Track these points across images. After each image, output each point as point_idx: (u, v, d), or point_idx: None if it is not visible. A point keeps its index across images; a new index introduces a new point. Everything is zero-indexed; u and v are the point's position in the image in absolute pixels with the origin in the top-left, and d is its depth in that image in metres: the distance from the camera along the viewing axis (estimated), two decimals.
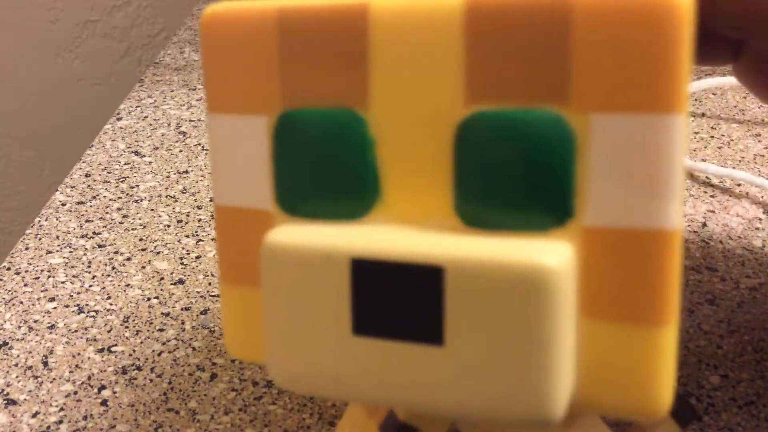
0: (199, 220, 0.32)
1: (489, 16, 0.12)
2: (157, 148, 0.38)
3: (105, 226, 0.32)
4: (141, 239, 0.31)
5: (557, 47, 0.11)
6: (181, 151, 0.38)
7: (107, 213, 0.33)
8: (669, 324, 0.11)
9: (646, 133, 0.11)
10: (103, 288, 0.28)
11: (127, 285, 0.28)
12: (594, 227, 0.12)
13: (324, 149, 0.13)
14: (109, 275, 0.29)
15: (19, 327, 0.26)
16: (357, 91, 0.13)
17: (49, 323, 0.26)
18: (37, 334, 0.25)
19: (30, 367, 0.24)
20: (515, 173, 0.12)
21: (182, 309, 0.27)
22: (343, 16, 0.12)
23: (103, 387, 0.23)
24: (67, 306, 0.27)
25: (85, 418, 0.22)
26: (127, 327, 0.26)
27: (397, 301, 0.12)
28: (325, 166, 0.13)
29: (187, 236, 0.31)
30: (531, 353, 0.11)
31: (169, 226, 0.32)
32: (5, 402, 0.23)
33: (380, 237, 0.12)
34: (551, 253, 0.11)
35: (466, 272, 0.11)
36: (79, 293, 0.28)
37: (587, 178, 0.11)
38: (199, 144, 0.39)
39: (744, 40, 0.17)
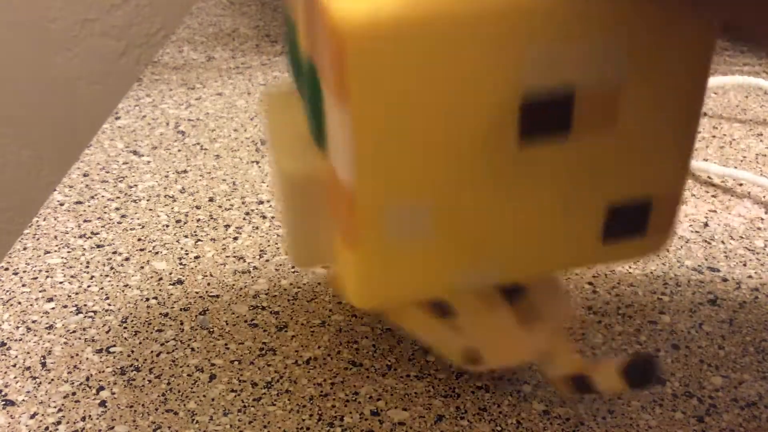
0: (198, 220, 0.32)
1: None
2: (156, 148, 0.38)
3: (103, 226, 0.32)
4: (139, 239, 0.31)
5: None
6: (179, 150, 0.38)
7: (105, 213, 0.33)
8: (353, 247, 0.16)
9: (340, 114, 0.15)
10: (102, 288, 0.28)
11: (126, 285, 0.28)
12: (330, 164, 0.17)
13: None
14: (107, 275, 0.28)
15: (17, 327, 0.26)
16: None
17: (47, 324, 0.26)
18: (35, 335, 0.25)
19: (28, 368, 0.24)
20: (311, 108, 0.17)
21: (181, 309, 0.26)
22: None
23: (102, 388, 0.23)
24: (65, 306, 0.27)
25: (83, 418, 0.22)
26: (125, 327, 0.26)
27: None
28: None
29: (186, 236, 0.31)
30: (283, 221, 0.18)
31: (167, 226, 0.32)
32: (3, 403, 0.23)
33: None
34: (302, 166, 0.17)
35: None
36: (77, 293, 0.27)
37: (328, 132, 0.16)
38: (198, 143, 0.39)
39: None
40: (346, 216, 0.16)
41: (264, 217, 0.32)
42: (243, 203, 0.33)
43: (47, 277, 0.28)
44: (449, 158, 0.15)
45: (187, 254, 0.30)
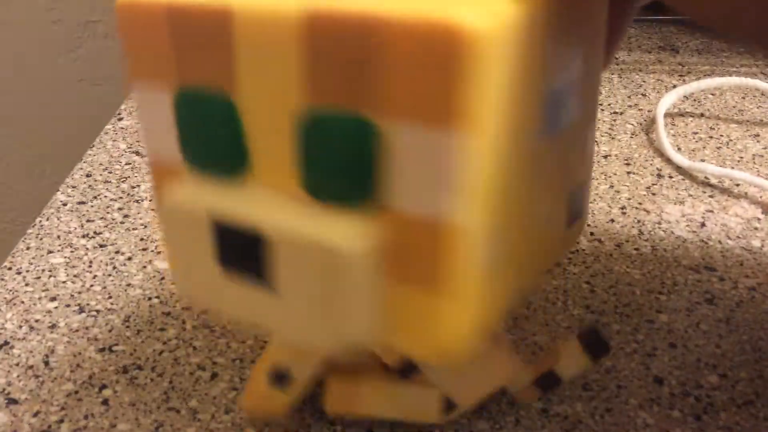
0: None
1: (318, 30, 0.14)
2: None
3: (106, 226, 0.32)
4: (142, 239, 0.31)
5: (367, 63, 0.13)
6: None
7: (108, 213, 0.33)
8: (453, 295, 0.14)
9: (435, 142, 0.13)
10: (104, 288, 0.28)
11: (128, 285, 0.28)
12: (395, 210, 0.14)
13: (204, 125, 0.16)
14: (110, 275, 0.29)
15: (21, 326, 0.26)
16: (228, 78, 0.15)
17: (50, 323, 0.26)
18: (38, 334, 0.26)
19: (31, 367, 0.24)
20: (335, 164, 0.15)
21: (183, 308, 0.27)
22: (212, 15, 0.15)
23: (104, 386, 0.23)
24: (68, 305, 0.27)
25: (86, 417, 0.22)
26: (128, 326, 0.26)
27: (243, 252, 0.16)
28: (207, 138, 0.16)
29: None
30: (334, 304, 0.15)
31: None
32: (6, 401, 0.23)
33: (238, 205, 0.16)
34: (350, 237, 0.14)
35: (286, 244, 0.15)
36: (80, 293, 0.28)
37: (390, 172, 0.14)
38: None
39: None
40: (436, 259, 0.14)
41: None
42: None
43: (50, 276, 0.29)
44: (507, 161, 0.15)
45: None
